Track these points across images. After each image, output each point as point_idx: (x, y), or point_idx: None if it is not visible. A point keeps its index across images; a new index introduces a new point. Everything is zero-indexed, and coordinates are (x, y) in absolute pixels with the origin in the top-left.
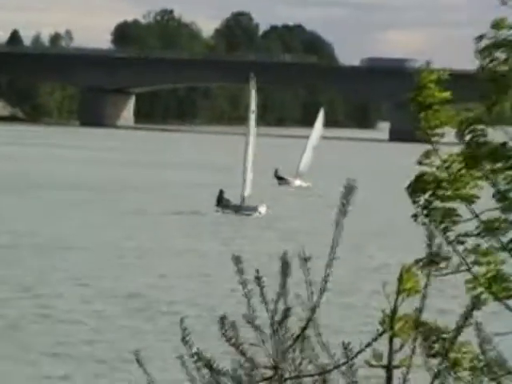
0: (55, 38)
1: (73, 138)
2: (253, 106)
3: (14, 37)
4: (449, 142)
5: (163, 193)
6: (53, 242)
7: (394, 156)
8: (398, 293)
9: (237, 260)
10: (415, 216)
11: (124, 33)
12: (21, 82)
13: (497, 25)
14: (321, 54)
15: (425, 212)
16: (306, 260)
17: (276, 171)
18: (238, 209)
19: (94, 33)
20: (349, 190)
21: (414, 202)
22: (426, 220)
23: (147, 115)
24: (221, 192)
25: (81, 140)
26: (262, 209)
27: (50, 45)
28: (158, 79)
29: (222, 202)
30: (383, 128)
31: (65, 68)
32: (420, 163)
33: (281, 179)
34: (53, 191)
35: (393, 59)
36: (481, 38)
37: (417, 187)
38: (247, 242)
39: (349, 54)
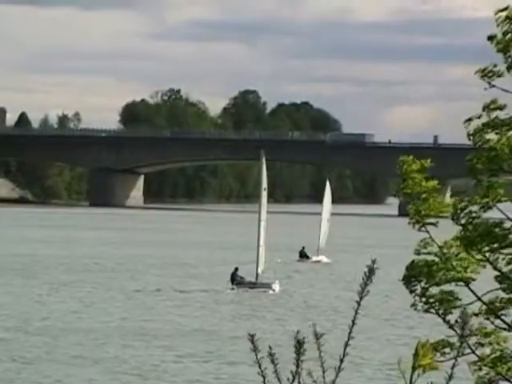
0: (63, 120)
1: (83, 219)
2: (264, 184)
3: (23, 119)
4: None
5: (176, 272)
6: (66, 325)
7: (404, 231)
8: (414, 369)
9: (252, 338)
10: (414, 305)
11: (132, 113)
12: (30, 164)
13: (488, 106)
14: (328, 130)
15: (423, 299)
16: (318, 337)
17: (302, 249)
18: (253, 286)
19: (102, 114)
20: (370, 272)
21: (411, 292)
22: (426, 307)
23: (156, 194)
24: (235, 269)
25: (91, 221)
26: (276, 286)
27: (58, 126)
28: (166, 159)
29: (235, 279)
30: (392, 203)
31: (73, 149)
32: (418, 253)
33: (305, 257)
34: (66, 273)
35: (353, 134)
36: (470, 120)
37: (410, 276)
38: (262, 320)
39: (356, 131)
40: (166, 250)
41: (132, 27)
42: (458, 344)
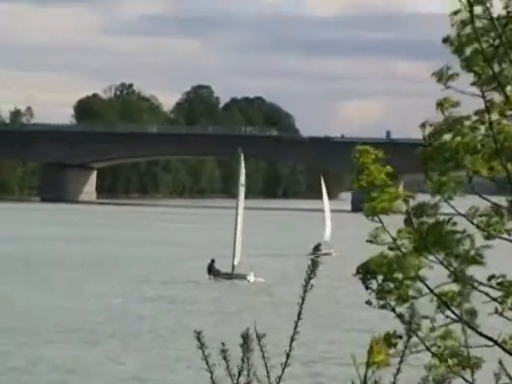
0: (16, 115)
1: (33, 214)
2: (242, 180)
3: None
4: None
5: (143, 267)
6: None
7: (357, 227)
8: (368, 365)
9: (198, 335)
10: (368, 302)
11: (85, 108)
12: None
13: (441, 104)
14: (281, 125)
15: (378, 296)
16: (259, 338)
17: (319, 245)
18: (229, 276)
19: (54, 108)
20: (313, 265)
21: (367, 288)
22: (381, 303)
23: (109, 190)
24: (212, 261)
25: (42, 216)
26: (251, 277)
27: (10, 121)
28: (118, 153)
29: (212, 271)
30: (345, 198)
31: (25, 144)
32: (370, 242)
33: (317, 250)
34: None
35: None
36: (424, 125)
37: (366, 272)
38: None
39: (309, 126)
40: (123, 246)
41: (84, 22)
42: (407, 338)
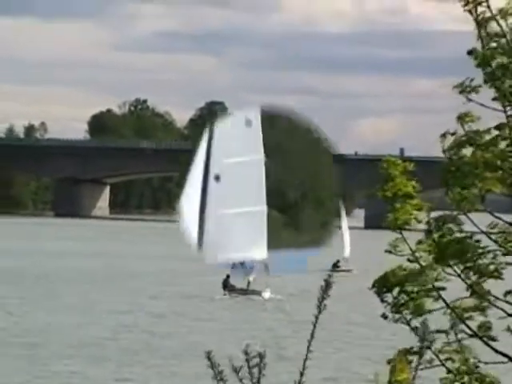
0: (29, 130)
1: (47, 229)
2: None
3: None
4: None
5: (158, 281)
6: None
7: (371, 243)
8: (390, 383)
9: (208, 355)
10: (384, 316)
11: (99, 123)
12: None
13: (461, 118)
14: None
15: (394, 309)
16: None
17: (337, 262)
18: (244, 292)
19: (68, 123)
20: (327, 286)
21: (382, 302)
22: (396, 317)
23: (122, 205)
24: (227, 277)
25: (55, 231)
26: (266, 294)
27: (24, 136)
28: (132, 169)
29: (227, 286)
30: (358, 215)
31: (39, 159)
32: (390, 252)
33: (336, 267)
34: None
35: None
36: (444, 135)
37: (382, 285)
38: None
39: None
40: (136, 261)
41: (91, 38)
42: (423, 354)
